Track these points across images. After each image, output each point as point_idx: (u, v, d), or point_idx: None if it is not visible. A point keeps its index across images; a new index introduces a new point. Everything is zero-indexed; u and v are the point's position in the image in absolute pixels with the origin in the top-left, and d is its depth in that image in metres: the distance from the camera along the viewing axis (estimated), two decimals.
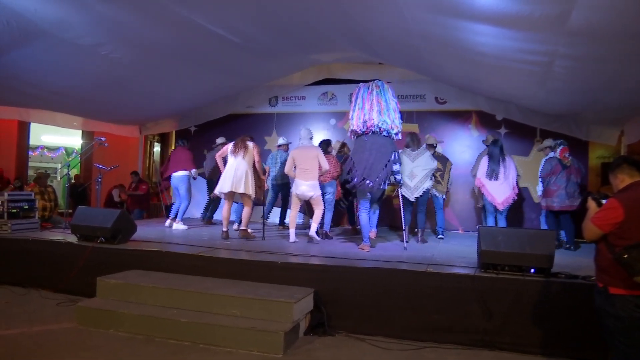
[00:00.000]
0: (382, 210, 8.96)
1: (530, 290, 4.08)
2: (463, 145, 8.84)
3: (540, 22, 3.95)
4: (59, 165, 13.04)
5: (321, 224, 6.73)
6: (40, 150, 12.92)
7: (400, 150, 6.24)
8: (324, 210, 6.60)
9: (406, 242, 6.01)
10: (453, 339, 4.16)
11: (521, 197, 8.17)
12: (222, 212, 6.71)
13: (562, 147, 6.56)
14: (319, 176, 6.35)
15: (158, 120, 10.67)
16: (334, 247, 6.08)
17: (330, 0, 5.25)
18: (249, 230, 6.64)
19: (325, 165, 6.28)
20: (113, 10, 5.28)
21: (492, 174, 6.39)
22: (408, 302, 4.36)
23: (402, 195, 6.40)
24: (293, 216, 6.44)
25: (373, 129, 5.65)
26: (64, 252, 5.66)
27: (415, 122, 8.86)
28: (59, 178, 12.67)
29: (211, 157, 8.22)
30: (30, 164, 11.08)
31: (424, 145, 6.83)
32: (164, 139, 11.87)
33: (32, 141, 11.16)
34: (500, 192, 6.38)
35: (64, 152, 13.36)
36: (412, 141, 6.70)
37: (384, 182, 5.65)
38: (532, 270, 4.21)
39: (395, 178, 5.84)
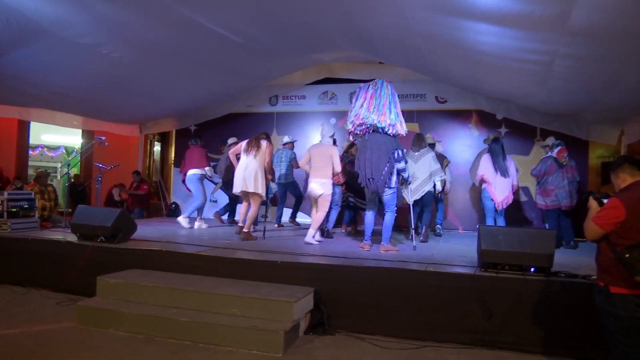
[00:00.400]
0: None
1: (531, 289, 4.08)
2: (463, 145, 8.84)
3: (541, 22, 3.94)
4: (59, 165, 13.04)
5: (325, 221, 6.69)
6: (40, 149, 12.91)
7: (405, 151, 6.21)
8: (330, 209, 6.58)
9: (414, 243, 5.92)
10: (453, 338, 4.17)
11: (521, 196, 8.18)
12: (241, 209, 6.74)
13: (560, 147, 6.58)
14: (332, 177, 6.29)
15: (158, 119, 10.67)
16: (334, 246, 6.08)
17: (331, 0, 5.24)
18: (253, 233, 6.57)
19: (338, 168, 6.22)
20: (113, 10, 5.28)
21: (499, 170, 6.38)
22: (408, 302, 4.36)
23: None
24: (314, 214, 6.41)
25: (364, 127, 5.59)
26: (64, 252, 5.66)
27: (415, 122, 8.85)
28: (59, 177, 12.67)
29: (225, 157, 8.22)
30: (30, 163, 11.08)
31: (427, 147, 6.79)
32: (164, 138, 11.86)
33: (32, 140, 11.15)
34: (502, 190, 6.39)
35: (64, 151, 13.36)
36: (414, 142, 6.69)
37: (389, 181, 5.51)
38: (532, 269, 4.21)
39: (402, 176, 5.76)
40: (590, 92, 5.85)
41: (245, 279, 4.82)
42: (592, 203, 3.01)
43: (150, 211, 10.83)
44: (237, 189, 6.42)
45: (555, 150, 6.59)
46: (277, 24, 6.09)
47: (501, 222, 6.48)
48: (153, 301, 4.51)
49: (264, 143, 6.46)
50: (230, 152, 6.95)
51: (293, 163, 8.13)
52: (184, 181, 8.09)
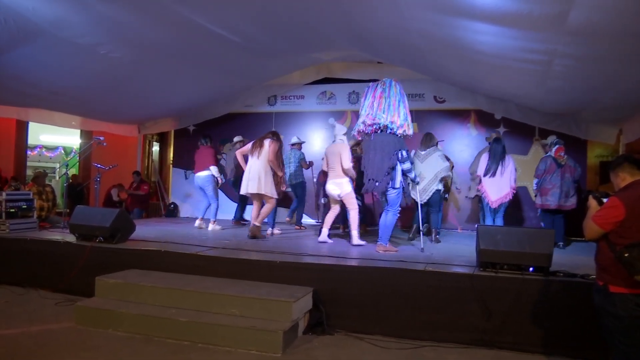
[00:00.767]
0: None
1: (529, 288, 4.08)
2: (462, 144, 8.85)
3: (540, 22, 3.95)
4: (58, 165, 13.04)
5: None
6: (38, 149, 12.91)
7: (413, 151, 6.20)
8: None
9: (422, 245, 5.84)
10: (452, 338, 4.17)
11: (520, 196, 8.19)
12: (252, 211, 6.67)
13: (557, 146, 6.61)
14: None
15: (157, 119, 10.66)
16: (334, 246, 6.08)
17: (331, 0, 5.24)
18: (271, 235, 6.57)
19: (346, 164, 6.11)
20: (112, 10, 5.27)
21: (489, 171, 6.39)
22: (407, 301, 4.36)
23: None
24: (329, 216, 6.40)
25: (374, 127, 5.55)
26: (63, 252, 5.65)
27: (414, 121, 8.82)
28: (57, 178, 12.67)
29: (232, 158, 8.20)
30: (28, 163, 11.08)
31: (435, 146, 6.73)
32: (162, 139, 11.85)
33: (31, 140, 11.15)
34: (495, 190, 6.38)
35: (63, 151, 13.36)
36: (422, 141, 6.68)
37: (392, 181, 5.44)
38: (531, 269, 4.21)
39: (409, 177, 5.69)
40: (589, 91, 5.86)
41: (245, 279, 4.81)
42: (592, 202, 3.01)
43: (149, 211, 10.82)
44: (242, 190, 6.44)
45: (553, 150, 6.61)
46: (277, 24, 6.08)
47: (499, 221, 6.49)
48: (152, 301, 4.50)
49: (266, 142, 6.41)
50: (237, 151, 6.91)
51: (302, 163, 8.11)
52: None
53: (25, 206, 6.63)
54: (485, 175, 6.42)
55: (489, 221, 6.53)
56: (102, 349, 3.86)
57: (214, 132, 9.76)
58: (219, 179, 7.92)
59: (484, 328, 4.12)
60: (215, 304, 4.30)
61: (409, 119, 5.62)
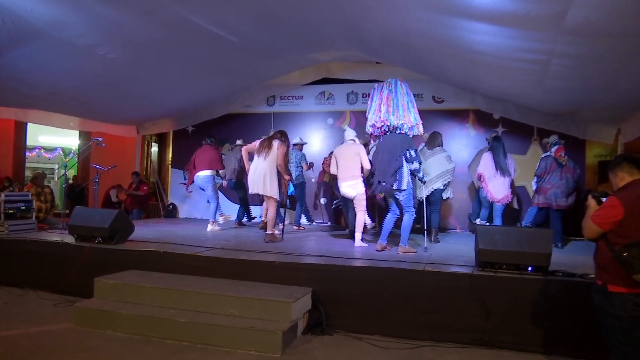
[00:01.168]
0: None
1: (528, 288, 4.09)
2: (460, 144, 8.85)
3: (537, 21, 3.95)
4: (56, 166, 13.03)
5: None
6: (37, 150, 12.92)
7: (421, 145, 6.16)
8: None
9: (426, 244, 5.83)
10: (451, 338, 4.17)
11: (519, 195, 8.19)
12: (263, 209, 6.63)
13: (557, 146, 6.63)
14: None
15: (155, 120, 10.65)
16: (333, 246, 6.08)
17: (330, 0, 5.24)
18: (276, 232, 6.55)
19: (367, 165, 6.00)
20: (110, 11, 5.26)
21: (498, 168, 6.39)
22: (406, 301, 4.36)
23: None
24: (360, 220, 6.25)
25: (383, 128, 5.54)
26: (62, 253, 5.65)
27: None
28: (56, 179, 12.68)
29: (233, 160, 8.19)
30: (27, 164, 11.07)
31: (440, 146, 6.71)
32: (161, 139, 11.84)
33: (29, 142, 11.15)
34: (500, 188, 6.40)
35: (61, 152, 13.35)
36: (429, 140, 6.67)
37: (399, 183, 5.39)
38: (530, 268, 4.22)
39: (417, 176, 5.67)
40: (589, 91, 5.85)
41: (244, 279, 4.81)
42: (591, 202, 3.01)
43: (148, 212, 10.82)
44: (250, 190, 6.39)
45: (553, 150, 6.62)
46: (277, 24, 6.08)
47: (498, 220, 6.50)
48: (151, 302, 4.50)
49: (275, 143, 6.32)
50: (244, 148, 6.81)
51: (302, 164, 8.09)
52: (190, 183, 7.88)
53: (24, 207, 6.63)
54: (494, 172, 6.42)
55: (485, 213, 6.55)
56: (101, 349, 3.86)
57: (212, 132, 9.75)
58: (223, 182, 7.90)
59: (483, 328, 4.12)
60: (214, 305, 4.30)
61: (419, 118, 5.63)
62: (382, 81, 5.87)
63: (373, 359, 3.85)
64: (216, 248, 5.59)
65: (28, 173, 10.76)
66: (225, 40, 6.25)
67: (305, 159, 8.22)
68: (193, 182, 7.70)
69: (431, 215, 6.76)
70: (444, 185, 6.61)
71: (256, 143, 6.50)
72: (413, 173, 5.53)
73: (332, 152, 7.05)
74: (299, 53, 7.88)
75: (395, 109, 5.48)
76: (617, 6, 3.49)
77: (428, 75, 8.32)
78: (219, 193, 8.28)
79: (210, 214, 7.63)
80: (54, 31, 5.51)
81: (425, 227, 6.01)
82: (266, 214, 6.51)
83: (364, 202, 6.10)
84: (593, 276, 3.08)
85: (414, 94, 5.82)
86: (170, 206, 10.50)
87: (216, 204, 7.65)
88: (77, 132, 11.55)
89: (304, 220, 8.78)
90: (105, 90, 7.68)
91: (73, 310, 4.51)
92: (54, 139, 12.88)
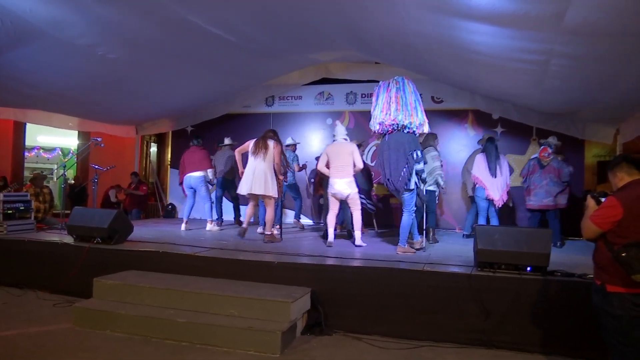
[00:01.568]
0: (387, 210, 9.05)
1: (527, 288, 4.10)
2: (459, 145, 8.85)
3: (537, 21, 3.95)
4: (55, 166, 13.02)
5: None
6: (36, 150, 12.89)
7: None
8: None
9: (424, 245, 5.83)
10: (450, 338, 4.17)
11: (515, 196, 8.19)
12: (247, 210, 6.53)
13: (542, 147, 6.70)
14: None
15: (155, 120, 10.64)
16: (333, 246, 6.06)
17: (330, 0, 5.24)
18: (274, 232, 6.55)
19: (360, 164, 6.01)
20: (109, 11, 5.26)
21: (491, 171, 6.40)
22: (405, 301, 4.37)
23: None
24: (331, 218, 6.23)
25: (392, 127, 5.49)
26: (61, 253, 5.65)
27: None
28: (55, 179, 12.66)
29: (220, 159, 8.19)
30: (26, 164, 11.06)
31: (431, 146, 6.72)
32: (160, 139, 11.83)
33: (28, 142, 11.13)
34: (497, 189, 6.41)
35: (60, 152, 13.34)
36: (424, 140, 6.66)
37: (408, 182, 5.37)
38: (529, 268, 4.22)
39: (421, 176, 5.63)
40: (589, 91, 5.86)
41: (243, 279, 4.81)
42: (590, 202, 3.01)
43: (148, 212, 10.81)
44: (242, 190, 6.25)
45: (539, 150, 6.68)
46: (277, 24, 6.07)
47: (495, 220, 6.51)
48: (150, 302, 4.50)
49: (271, 143, 6.31)
50: (237, 150, 6.76)
51: (295, 165, 8.06)
52: (181, 183, 7.89)
53: (22, 207, 6.63)
54: (488, 175, 6.43)
55: (482, 221, 6.54)
56: (101, 349, 3.86)
57: (211, 132, 9.78)
58: (212, 181, 7.93)
59: (482, 328, 4.13)
60: (213, 305, 4.30)
61: (425, 116, 5.62)
62: (381, 81, 5.86)
63: (372, 359, 3.86)
64: (215, 248, 5.59)
65: (27, 173, 10.74)
66: (225, 40, 6.24)
67: (298, 160, 8.19)
68: (182, 183, 7.81)
69: (427, 215, 6.76)
70: (436, 183, 6.60)
71: (249, 144, 6.44)
72: (417, 173, 5.52)
73: None
74: (299, 53, 7.88)
75: (404, 107, 5.47)
76: (616, 6, 3.50)
77: (427, 75, 8.32)
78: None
79: (207, 213, 7.69)
80: (54, 31, 5.51)
81: (424, 227, 6.01)
82: (249, 218, 6.48)
83: (359, 200, 6.12)
84: (592, 276, 3.08)
85: None
86: (170, 206, 10.49)
87: (210, 203, 7.74)
88: (76, 132, 11.54)
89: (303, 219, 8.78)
90: (104, 90, 7.68)
91: (72, 310, 4.51)
92: (52, 139, 12.85)
